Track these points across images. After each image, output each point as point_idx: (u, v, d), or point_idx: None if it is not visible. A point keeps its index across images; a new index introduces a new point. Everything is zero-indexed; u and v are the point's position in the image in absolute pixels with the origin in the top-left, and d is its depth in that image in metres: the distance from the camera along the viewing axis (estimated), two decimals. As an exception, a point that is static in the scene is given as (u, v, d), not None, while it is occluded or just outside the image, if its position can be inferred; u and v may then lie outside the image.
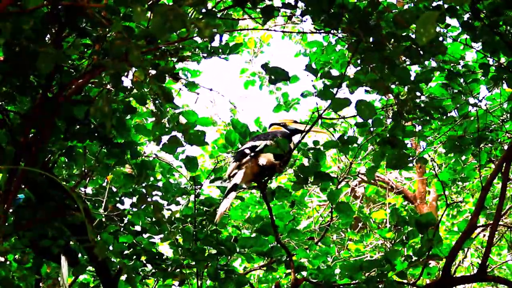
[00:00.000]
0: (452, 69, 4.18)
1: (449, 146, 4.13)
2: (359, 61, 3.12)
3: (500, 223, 4.12)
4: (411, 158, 3.32)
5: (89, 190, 4.18)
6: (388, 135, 3.30)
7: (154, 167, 3.88)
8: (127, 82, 3.61)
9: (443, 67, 3.98)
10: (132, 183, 3.76)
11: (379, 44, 2.96)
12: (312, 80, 3.48)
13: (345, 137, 3.48)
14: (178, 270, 3.95)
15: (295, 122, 3.78)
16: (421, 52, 3.07)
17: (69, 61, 3.11)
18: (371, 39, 3.04)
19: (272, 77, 3.14)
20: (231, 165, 3.55)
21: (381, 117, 3.56)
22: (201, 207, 3.89)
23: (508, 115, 4.40)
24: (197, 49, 3.50)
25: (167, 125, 3.21)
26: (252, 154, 3.48)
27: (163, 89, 2.57)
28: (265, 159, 3.46)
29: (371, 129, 3.43)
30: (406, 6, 3.89)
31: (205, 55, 3.53)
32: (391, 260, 3.58)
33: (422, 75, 3.25)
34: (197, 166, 3.59)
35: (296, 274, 3.68)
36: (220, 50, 3.51)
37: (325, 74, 3.09)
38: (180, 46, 3.19)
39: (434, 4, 3.22)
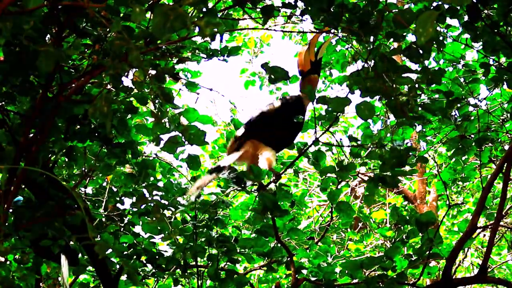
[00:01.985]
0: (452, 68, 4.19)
1: (452, 147, 4.13)
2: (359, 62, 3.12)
3: (501, 223, 4.12)
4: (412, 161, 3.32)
5: (89, 190, 4.18)
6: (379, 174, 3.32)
7: (154, 167, 3.88)
8: (128, 81, 3.61)
9: (443, 68, 3.99)
10: (132, 183, 3.76)
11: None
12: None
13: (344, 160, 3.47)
14: (178, 269, 3.96)
15: (308, 49, 3.51)
16: (421, 52, 3.07)
17: (69, 61, 3.11)
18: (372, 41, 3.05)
19: (272, 76, 3.14)
20: (230, 141, 3.49)
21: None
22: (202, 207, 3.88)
23: (508, 115, 4.41)
24: (197, 51, 3.50)
25: (167, 125, 3.21)
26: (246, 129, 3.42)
27: (162, 89, 2.57)
28: (266, 161, 3.41)
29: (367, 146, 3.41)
30: (406, 6, 3.90)
31: (204, 56, 3.52)
32: (392, 257, 3.59)
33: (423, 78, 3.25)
34: (199, 165, 3.57)
35: (296, 275, 3.67)
36: (219, 52, 3.51)
37: (322, 99, 3.08)
38: (180, 44, 3.19)
39: (434, 4, 3.22)
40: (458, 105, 4.19)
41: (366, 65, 3.05)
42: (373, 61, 3.02)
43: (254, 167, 3.28)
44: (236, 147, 3.47)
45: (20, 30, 2.47)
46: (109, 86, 2.99)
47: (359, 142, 3.35)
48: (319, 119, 3.10)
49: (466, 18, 3.41)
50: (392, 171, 3.26)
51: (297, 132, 3.54)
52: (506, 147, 4.39)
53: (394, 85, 3.01)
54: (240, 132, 3.51)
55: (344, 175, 3.47)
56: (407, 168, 3.38)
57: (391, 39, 3.18)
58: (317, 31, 3.46)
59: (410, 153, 3.30)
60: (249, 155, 3.46)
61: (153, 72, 2.82)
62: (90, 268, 4.30)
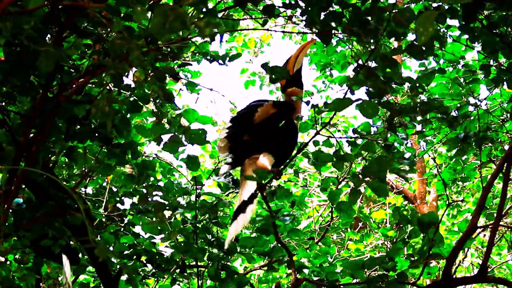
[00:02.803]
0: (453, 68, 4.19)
1: (451, 147, 4.14)
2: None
3: (501, 223, 4.12)
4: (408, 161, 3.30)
5: (89, 190, 4.19)
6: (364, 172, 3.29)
7: (154, 167, 3.88)
8: (128, 81, 3.62)
9: (444, 68, 3.99)
10: (132, 183, 3.76)
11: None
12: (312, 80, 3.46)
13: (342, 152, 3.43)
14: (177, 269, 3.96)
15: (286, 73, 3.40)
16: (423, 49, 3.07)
17: (70, 61, 3.11)
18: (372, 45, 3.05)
19: (273, 76, 3.14)
20: (225, 165, 3.44)
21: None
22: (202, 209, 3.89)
23: (508, 115, 4.41)
24: (197, 54, 3.51)
25: (167, 126, 3.21)
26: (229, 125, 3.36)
27: (163, 89, 2.58)
28: (262, 164, 3.37)
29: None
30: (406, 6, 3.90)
31: (207, 57, 3.53)
32: (393, 258, 3.59)
33: (424, 77, 3.26)
34: (198, 165, 3.57)
35: (296, 274, 3.67)
36: (220, 57, 3.51)
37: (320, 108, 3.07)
38: (180, 45, 3.19)
39: (435, 4, 3.22)
40: (458, 105, 4.20)
41: (366, 65, 3.05)
42: (373, 62, 3.02)
43: (258, 171, 3.22)
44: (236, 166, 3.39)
45: (20, 30, 2.47)
46: (110, 86, 3.00)
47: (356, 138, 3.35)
48: (318, 113, 3.09)
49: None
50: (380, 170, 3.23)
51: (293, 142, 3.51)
52: (506, 147, 4.39)
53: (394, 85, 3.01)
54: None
55: (340, 166, 3.44)
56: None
57: (392, 39, 3.18)
58: (312, 31, 3.44)
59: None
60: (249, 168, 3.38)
61: (153, 72, 2.82)
62: (90, 268, 4.30)
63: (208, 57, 3.52)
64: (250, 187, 3.25)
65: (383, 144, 3.26)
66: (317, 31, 3.26)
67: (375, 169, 3.17)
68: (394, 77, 3.00)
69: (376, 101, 3.03)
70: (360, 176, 3.23)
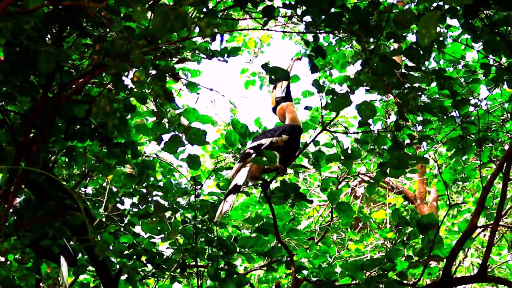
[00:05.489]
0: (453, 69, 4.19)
1: (452, 147, 4.14)
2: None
3: (500, 223, 4.12)
4: (413, 161, 3.32)
5: (89, 190, 4.18)
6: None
7: (154, 167, 3.87)
8: (127, 81, 3.62)
9: (443, 69, 3.98)
10: (132, 183, 3.76)
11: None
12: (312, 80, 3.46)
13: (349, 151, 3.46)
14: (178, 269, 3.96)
15: (274, 88, 3.74)
16: (421, 52, 3.06)
17: (70, 61, 3.11)
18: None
19: (273, 77, 3.14)
20: (235, 166, 3.53)
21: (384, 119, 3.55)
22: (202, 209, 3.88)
23: (509, 115, 4.41)
24: (197, 51, 3.51)
25: (167, 125, 3.20)
26: (255, 154, 3.47)
27: (164, 88, 2.57)
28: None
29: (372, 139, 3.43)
30: (406, 6, 3.89)
31: (204, 56, 3.53)
32: (393, 259, 3.58)
33: (424, 79, 3.26)
34: (199, 164, 3.57)
35: (296, 274, 3.67)
36: (219, 53, 3.51)
37: (330, 92, 3.09)
38: (180, 46, 3.19)
39: (435, 4, 3.21)
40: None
41: (366, 66, 3.04)
42: (374, 62, 3.02)
43: (267, 152, 3.34)
44: (240, 167, 3.50)
45: (20, 30, 2.47)
46: (109, 86, 3.00)
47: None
48: (325, 107, 3.12)
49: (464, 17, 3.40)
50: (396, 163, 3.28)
51: (297, 150, 3.62)
52: (506, 147, 4.39)
53: (400, 81, 3.01)
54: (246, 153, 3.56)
55: (349, 163, 3.48)
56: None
57: (392, 40, 3.18)
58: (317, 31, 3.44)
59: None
60: (255, 168, 3.49)
61: (154, 71, 2.82)
62: (90, 268, 4.30)
63: (207, 54, 3.52)
64: (242, 174, 3.45)
65: (392, 139, 3.30)
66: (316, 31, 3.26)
67: (394, 164, 3.21)
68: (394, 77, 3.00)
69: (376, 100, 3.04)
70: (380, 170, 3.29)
